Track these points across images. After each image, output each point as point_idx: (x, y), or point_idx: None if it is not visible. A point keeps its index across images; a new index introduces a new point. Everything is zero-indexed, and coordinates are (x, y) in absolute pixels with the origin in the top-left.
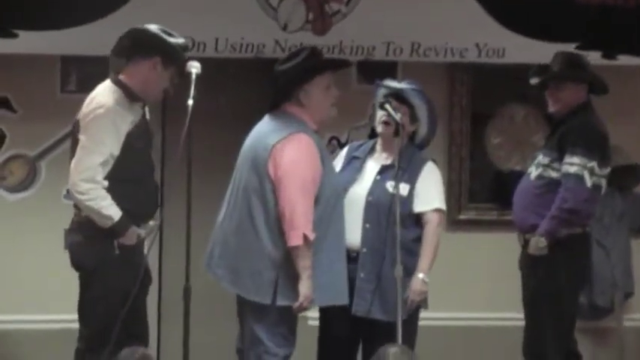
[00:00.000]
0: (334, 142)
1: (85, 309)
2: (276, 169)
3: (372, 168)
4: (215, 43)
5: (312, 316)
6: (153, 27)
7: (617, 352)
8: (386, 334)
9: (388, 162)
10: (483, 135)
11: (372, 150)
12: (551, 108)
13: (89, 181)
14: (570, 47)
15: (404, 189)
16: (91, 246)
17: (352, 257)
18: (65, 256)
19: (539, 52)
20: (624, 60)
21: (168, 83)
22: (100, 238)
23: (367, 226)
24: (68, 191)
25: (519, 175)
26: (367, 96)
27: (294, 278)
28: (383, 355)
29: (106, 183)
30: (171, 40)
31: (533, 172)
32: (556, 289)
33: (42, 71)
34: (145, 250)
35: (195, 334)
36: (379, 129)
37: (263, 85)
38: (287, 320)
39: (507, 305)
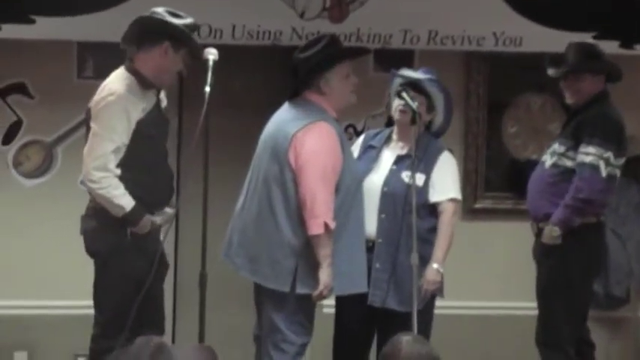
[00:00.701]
0: (350, 129)
1: (99, 295)
2: (297, 157)
3: (387, 158)
4: (232, 30)
5: (328, 304)
6: (159, 10)
7: (633, 342)
8: (401, 324)
9: (404, 152)
10: (500, 124)
11: (388, 139)
12: (569, 99)
13: (101, 169)
14: (588, 36)
15: (420, 179)
16: (105, 232)
17: (368, 247)
18: (81, 242)
19: (557, 41)
20: None
21: (181, 66)
22: (113, 225)
23: (383, 216)
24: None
25: (535, 164)
26: (384, 84)
27: (313, 266)
28: (396, 343)
29: (118, 171)
30: (178, 21)
31: (548, 160)
32: (569, 279)
33: (59, 57)
34: (162, 238)
35: (211, 320)
36: (396, 116)
37: (279, 72)
38: (305, 309)
39: (522, 294)
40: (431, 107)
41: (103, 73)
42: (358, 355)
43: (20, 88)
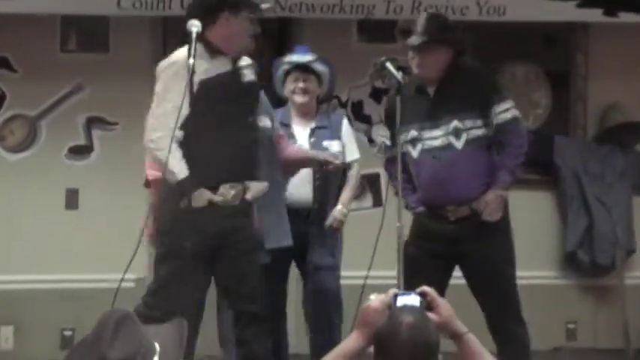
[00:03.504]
0: (335, 100)
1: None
2: None
3: (300, 132)
4: None
5: None
6: None
7: (619, 310)
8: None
9: (313, 124)
10: None
11: (289, 116)
12: (422, 71)
13: (158, 130)
14: (571, 5)
15: (338, 145)
16: (163, 203)
17: (305, 215)
18: (66, 216)
19: (540, 10)
20: (625, 17)
21: (251, 29)
22: (170, 198)
23: (317, 184)
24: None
25: None
26: (367, 55)
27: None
28: (396, 324)
29: (179, 133)
30: None
31: (456, 142)
32: (512, 248)
33: (42, 31)
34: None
35: None
36: (298, 99)
37: None
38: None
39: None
40: (320, 82)
41: (86, 47)
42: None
43: (3, 63)
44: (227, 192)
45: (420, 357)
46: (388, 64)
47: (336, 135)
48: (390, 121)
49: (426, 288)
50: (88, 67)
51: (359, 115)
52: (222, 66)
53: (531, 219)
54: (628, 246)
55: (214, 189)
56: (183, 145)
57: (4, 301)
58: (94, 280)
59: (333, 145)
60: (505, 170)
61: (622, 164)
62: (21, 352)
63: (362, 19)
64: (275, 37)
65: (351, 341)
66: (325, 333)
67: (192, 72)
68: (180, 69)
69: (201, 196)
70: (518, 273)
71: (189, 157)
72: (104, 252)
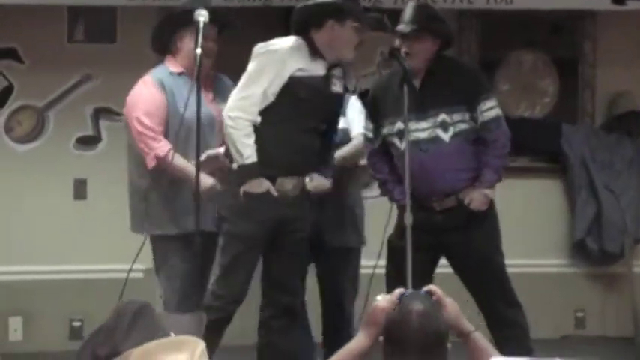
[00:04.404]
0: None
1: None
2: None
3: None
4: None
5: None
6: None
7: (628, 298)
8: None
9: None
10: (492, 82)
11: None
12: (411, 60)
13: (240, 110)
14: None
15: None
16: (225, 191)
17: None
18: (74, 207)
19: None
20: (633, 5)
21: (356, 38)
22: (231, 186)
23: None
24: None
25: (528, 121)
26: (375, 43)
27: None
28: (406, 312)
29: (258, 119)
30: None
31: (443, 134)
32: (499, 236)
33: (49, 21)
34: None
35: None
36: None
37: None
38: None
39: (515, 252)
40: None
41: (93, 37)
42: None
43: (11, 53)
44: (284, 184)
45: (430, 344)
46: (397, 54)
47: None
48: (374, 114)
49: (432, 287)
50: (95, 57)
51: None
52: (317, 69)
53: (539, 207)
54: (636, 234)
55: (273, 180)
56: (257, 131)
57: (13, 292)
58: (103, 270)
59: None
60: (490, 169)
61: (630, 152)
62: (30, 342)
63: (369, 7)
64: (283, 23)
65: (358, 341)
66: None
67: (199, 63)
68: (279, 57)
69: (260, 185)
70: (527, 261)
71: (258, 144)
72: (113, 242)
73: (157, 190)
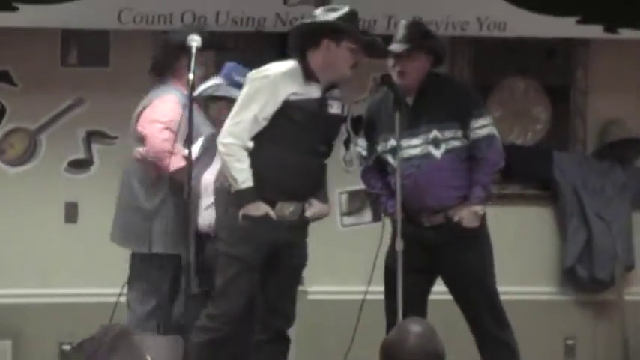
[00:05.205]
0: None
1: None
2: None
3: None
4: (216, 16)
5: (312, 290)
6: (317, 12)
7: (618, 326)
8: None
9: None
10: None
11: None
12: (401, 79)
13: (231, 136)
14: (572, 21)
15: None
16: (223, 216)
17: None
18: (66, 230)
19: (540, 25)
20: (625, 34)
21: (352, 59)
22: (229, 209)
23: None
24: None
25: (520, 148)
26: (367, 69)
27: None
28: (404, 332)
29: (251, 144)
30: (333, 15)
31: (435, 151)
32: (491, 255)
33: (42, 45)
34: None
35: None
36: None
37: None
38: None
39: (505, 279)
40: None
41: (87, 61)
42: None
43: (3, 76)
44: (284, 209)
45: None
46: (391, 79)
47: None
48: (369, 132)
49: None
50: (88, 81)
51: (358, 130)
52: (311, 92)
53: (530, 234)
54: (627, 261)
55: (273, 203)
56: (251, 155)
57: (3, 315)
58: (93, 294)
59: None
60: (479, 186)
61: (621, 179)
62: None
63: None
64: (276, 49)
65: None
66: None
67: (191, 86)
68: (271, 83)
69: (258, 209)
70: (518, 288)
71: (253, 169)
72: (103, 266)
73: (168, 211)
